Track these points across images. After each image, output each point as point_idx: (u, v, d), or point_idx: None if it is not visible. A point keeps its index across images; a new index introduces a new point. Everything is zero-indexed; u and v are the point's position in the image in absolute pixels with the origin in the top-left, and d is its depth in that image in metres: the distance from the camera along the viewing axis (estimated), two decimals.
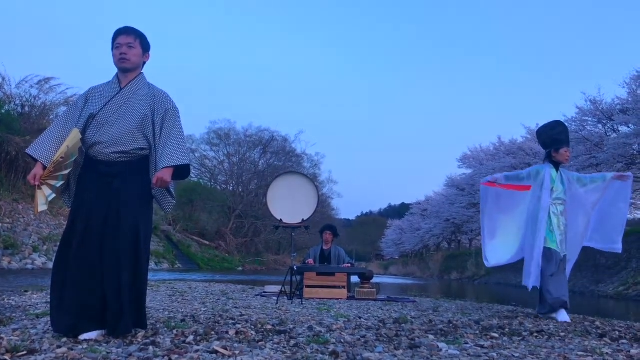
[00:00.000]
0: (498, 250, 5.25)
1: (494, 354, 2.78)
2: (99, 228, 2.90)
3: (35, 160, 2.98)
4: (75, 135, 2.99)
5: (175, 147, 3.02)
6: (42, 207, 2.93)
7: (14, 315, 3.87)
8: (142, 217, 3.02)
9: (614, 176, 5.30)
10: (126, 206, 2.96)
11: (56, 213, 18.87)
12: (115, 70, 3.20)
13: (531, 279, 4.90)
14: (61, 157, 2.93)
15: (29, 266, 14.93)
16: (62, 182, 3.00)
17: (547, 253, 4.95)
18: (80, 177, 3.09)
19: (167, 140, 3.04)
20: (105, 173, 3.00)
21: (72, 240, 2.91)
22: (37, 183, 2.93)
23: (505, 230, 5.29)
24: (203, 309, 4.69)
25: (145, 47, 3.23)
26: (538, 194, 5.13)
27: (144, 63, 3.26)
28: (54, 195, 2.98)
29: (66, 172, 3.00)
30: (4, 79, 21.57)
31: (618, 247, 5.24)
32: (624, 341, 3.52)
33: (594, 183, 5.27)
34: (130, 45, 3.13)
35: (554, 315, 4.92)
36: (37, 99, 22.52)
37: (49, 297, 2.92)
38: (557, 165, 5.25)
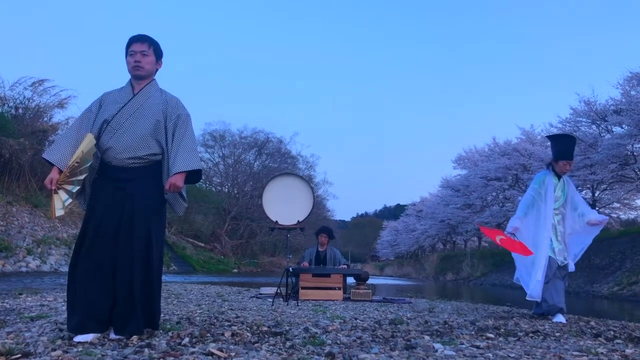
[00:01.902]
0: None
1: (490, 355, 2.79)
2: (112, 231, 2.95)
3: (52, 165, 3.00)
4: (89, 141, 3.02)
5: (187, 152, 3.08)
6: (59, 211, 2.95)
7: (8, 318, 3.84)
8: (155, 221, 3.07)
9: (590, 222, 5.23)
10: (139, 210, 3.00)
11: (50, 216, 18.76)
12: (129, 76, 3.24)
13: (530, 290, 4.92)
14: (76, 162, 2.97)
15: (23, 269, 14.83)
16: (78, 187, 3.03)
17: (548, 262, 4.95)
18: (94, 181, 3.13)
19: (179, 145, 3.10)
20: (119, 178, 3.04)
21: (85, 243, 2.95)
22: (54, 187, 2.95)
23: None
24: (198, 311, 4.68)
25: (159, 54, 3.27)
26: (541, 203, 5.14)
27: (157, 70, 3.30)
28: (70, 200, 3.01)
29: (81, 177, 3.03)
30: None
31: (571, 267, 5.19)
32: (619, 341, 3.53)
33: (578, 213, 5.27)
34: (144, 53, 3.17)
35: (549, 316, 4.94)
36: (30, 101, 22.33)
37: (65, 296, 2.99)
38: (558, 173, 5.27)
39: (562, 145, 5.36)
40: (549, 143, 5.68)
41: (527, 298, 4.96)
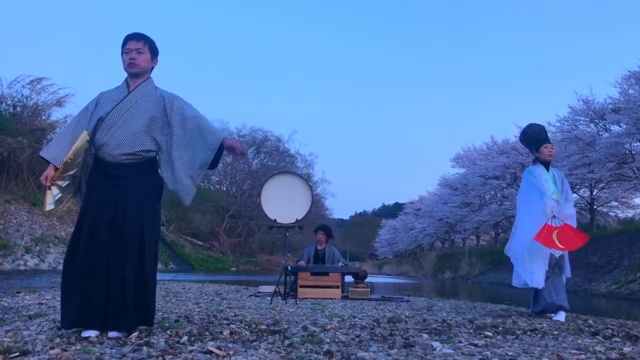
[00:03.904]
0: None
1: (488, 353, 2.79)
2: (106, 228, 2.97)
3: (48, 163, 3.06)
4: (83, 137, 3.06)
5: (212, 127, 3.23)
6: (49, 206, 3.03)
7: (6, 316, 3.84)
8: (148, 217, 3.08)
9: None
10: (133, 206, 3.02)
11: (48, 214, 18.75)
12: (125, 74, 3.27)
13: (534, 278, 4.84)
14: (70, 159, 3.02)
15: (22, 267, 14.83)
16: (67, 182, 3.10)
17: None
18: (89, 178, 3.16)
19: (199, 123, 3.20)
20: (113, 174, 3.07)
21: (80, 239, 2.97)
22: (48, 184, 3.02)
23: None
24: (197, 310, 4.68)
25: (154, 52, 3.29)
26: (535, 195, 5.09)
27: (153, 68, 3.32)
28: (60, 195, 3.08)
29: (72, 172, 3.08)
30: None
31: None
32: (617, 339, 3.54)
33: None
34: (140, 50, 3.19)
35: (548, 314, 4.92)
36: (29, 99, 22.33)
37: (60, 294, 3.01)
38: (545, 165, 5.24)
39: (534, 134, 5.33)
40: (526, 149, 5.62)
41: (531, 286, 4.90)
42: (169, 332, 3.09)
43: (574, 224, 5.20)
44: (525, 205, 5.16)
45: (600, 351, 2.93)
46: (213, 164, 3.25)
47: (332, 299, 7.01)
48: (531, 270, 4.90)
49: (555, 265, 4.95)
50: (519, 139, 5.71)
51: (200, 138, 3.18)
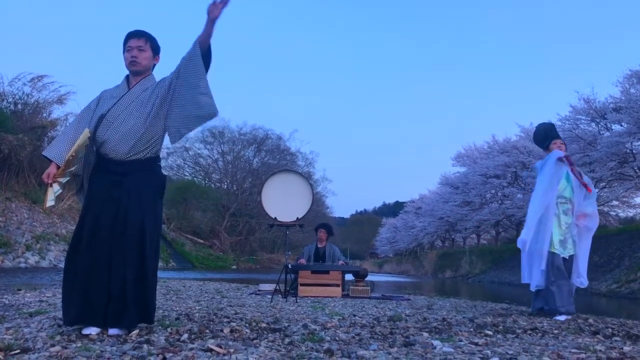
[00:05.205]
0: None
1: (488, 352, 2.79)
2: (108, 225, 2.97)
3: (50, 161, 3.08)
4: (84, 135, 3.08)
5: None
6: (50, 202, 3.08)
7: (7, 314, 3.85)
8: (149, 215, 3.07)
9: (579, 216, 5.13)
10: (135, 204, 3.02)
11: (49, 212, 18.79)
12: (127, 72, 3.27)
13: (533, 281, 4.85)
14: (71, 155, 3.05)
15: (22, 265, 14.84)
16: (67, 178, 3.13)
17: (548, 257, 4.83)
18: (92, 175, 3.17)
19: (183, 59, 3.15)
20: (115, 171, 3.08)
21: (82, 237, 2.98)
22: (50, 181, 3.05)
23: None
24: (197, 308, 4.68)
25: (156, 50, 3.29)
26: (542, 191, 5.02)
27: (154, 65, 3.32)
28: (60, 191, 3.12)
29: (73, 168, 3.11)
30: None
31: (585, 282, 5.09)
32: (617, 338, 3.54)
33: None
34: (141, 48, 3.20)
35: (548, 315, 4.89)
36: (30, 96, 22.30)
37: (61, 291, 3.03)
38: None
39: (544, 132, 5.36)
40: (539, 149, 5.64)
41: (531, 289, 4.89)
42: (169, 329, 3.09)
43: (596, 224, 5.17)
44: (539, 176, 5.15)
45: (600, 350, 2.93)
46: (207, 64, 3.15)
47: (332, 297, 7.01)
48: (530, 269, 4.90)
49: (560, 267, 4.87)
50: (533, 140, 5.73)
51: (188, 63, 3.12)
